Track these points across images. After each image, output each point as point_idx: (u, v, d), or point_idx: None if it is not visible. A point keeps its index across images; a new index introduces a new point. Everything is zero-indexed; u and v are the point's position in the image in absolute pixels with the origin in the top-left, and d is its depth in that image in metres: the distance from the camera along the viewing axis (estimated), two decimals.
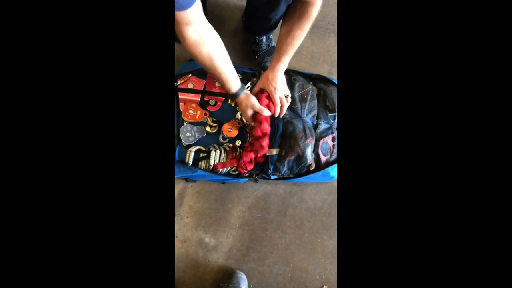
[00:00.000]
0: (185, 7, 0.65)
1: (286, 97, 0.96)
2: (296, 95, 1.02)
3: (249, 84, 1.05)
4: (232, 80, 0.88)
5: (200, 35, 0.75)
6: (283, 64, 0.91)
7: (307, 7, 0.80)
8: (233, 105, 1.05)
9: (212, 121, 1.02)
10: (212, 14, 1.14)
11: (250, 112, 0.93)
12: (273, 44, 1.12)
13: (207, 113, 1.01)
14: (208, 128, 1.01)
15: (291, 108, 1.02)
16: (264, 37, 1.10)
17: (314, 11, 0.81)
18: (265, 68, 1.10)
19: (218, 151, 0.97)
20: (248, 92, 0.95)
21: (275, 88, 0.93)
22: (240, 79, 1.06)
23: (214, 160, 0.96)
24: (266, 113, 0.92)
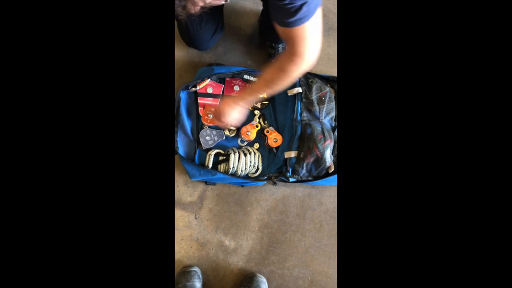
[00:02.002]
0: None
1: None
2: (314, 97, 1.02)
3: None
4: None
5: None
6: (247, 102, 0.86)
7: (289, 63, 0.72)
8: (251, 109, 1.07)
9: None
10: (229, 19, 1.16)
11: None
12: None
13: None
14: (227, 132, 1.02)
15: (309, 110, 1.02)
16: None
17: (294, 69, 0.72)
18: None
19: (237, 154, 0.98)
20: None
21: (224, 120, 0.89)
22: None
23: (233, 163, 0.97)
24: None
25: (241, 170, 0.97)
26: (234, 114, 0.89)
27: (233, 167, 0.97)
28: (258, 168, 1.01)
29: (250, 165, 0.99)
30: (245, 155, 0.99)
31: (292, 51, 0.70)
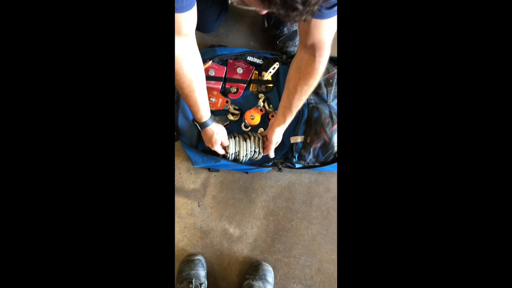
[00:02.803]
0: (179, 10, 0.60)
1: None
2: (321, 79, 0.98)
3: (271, 69, 1.01)
4: (206, 108, 0.82)
5: (189, 49, 0.69)
6: (289, 120, 0.87)
7: (313, 62, 0.73)
8: (255, 92, 1.02)
9: (234, 109, 0.99)
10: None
11: (214, 142, 0.89)
12: (295, 28, 1.08)
13: (229, 100, 0.98)
14: (230, 116, 0.98)
15: (316, 92, 0.98)
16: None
17: (321, 65, 0.73)
18: (286, 53, 1.06)
19: (237, 139, 0.94)
20: (219, 124, 0.91)
21: (271, 142, 0.92)
22: (261, 64, 1.03)
23: (234, 148, 0.92)
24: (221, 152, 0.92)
25: (243, 156, 0.93)
26: (280, 133, 0.91)
27: (233, 152, 0.93)
28: (259, 153, 0.96)
29: (251, 150, 0.95)
30: (245, 140, 0.95)
31: (315, 45, 0.70)
